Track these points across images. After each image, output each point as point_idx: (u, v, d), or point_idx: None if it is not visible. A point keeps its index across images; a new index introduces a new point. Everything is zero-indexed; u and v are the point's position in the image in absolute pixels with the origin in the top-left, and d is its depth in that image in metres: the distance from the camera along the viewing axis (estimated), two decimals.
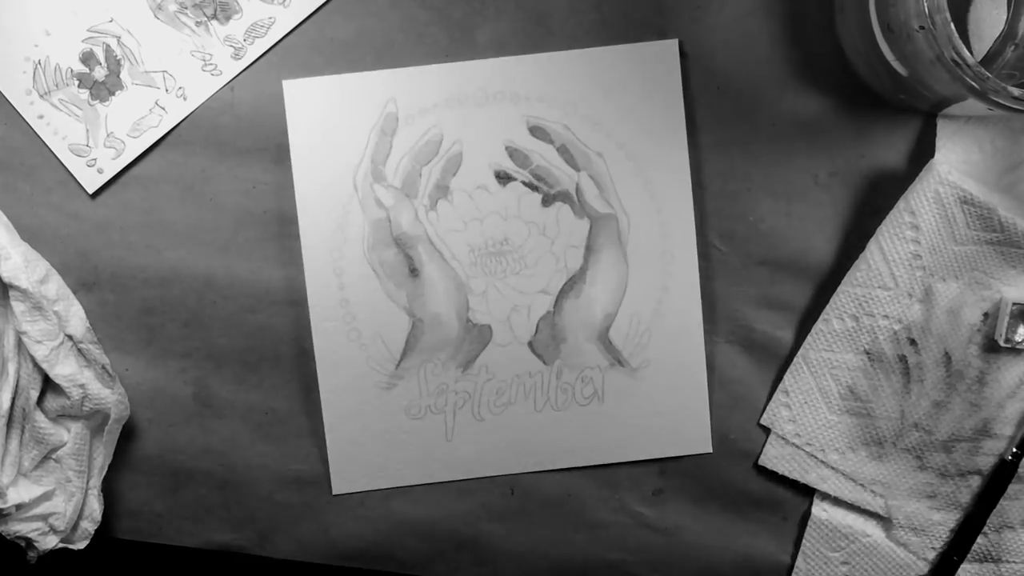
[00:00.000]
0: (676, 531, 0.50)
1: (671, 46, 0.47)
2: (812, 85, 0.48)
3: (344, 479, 0.49)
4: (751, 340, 0.49)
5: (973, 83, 0.39)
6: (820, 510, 0.49)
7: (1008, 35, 0.46)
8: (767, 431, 0.49)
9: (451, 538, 0.49)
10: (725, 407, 0.49)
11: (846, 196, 0.48)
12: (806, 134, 0.48)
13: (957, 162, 0.47)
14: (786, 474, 0.49)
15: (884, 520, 0.49)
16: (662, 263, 0.48)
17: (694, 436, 0.49)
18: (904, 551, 0.49)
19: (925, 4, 0.39)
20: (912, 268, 0.47)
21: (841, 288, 0.48)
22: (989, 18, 0.46)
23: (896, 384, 0.48)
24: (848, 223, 0.48)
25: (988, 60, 0.46)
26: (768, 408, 0.49)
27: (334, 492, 0.49)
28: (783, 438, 0.49)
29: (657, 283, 0.48)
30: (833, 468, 0.48)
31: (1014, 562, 0.48)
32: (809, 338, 0.48)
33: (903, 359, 0.47)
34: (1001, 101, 0.40)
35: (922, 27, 0.39)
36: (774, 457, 0.49)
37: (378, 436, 0.49)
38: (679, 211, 0.48)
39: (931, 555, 0.49)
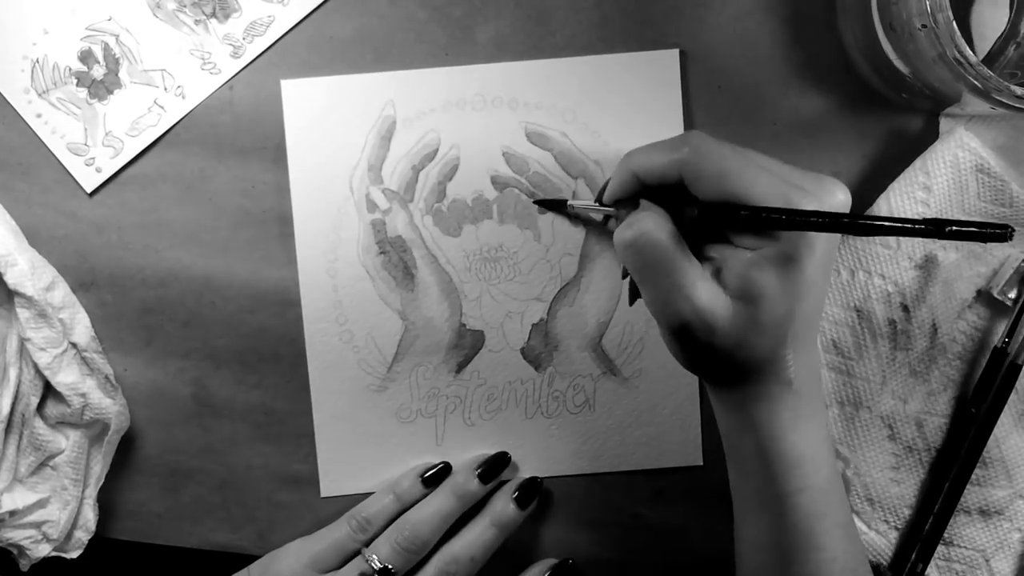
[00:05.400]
0: (677, 532, 0.50)
1: (672, 56, 0.47)
2: (814, 84, 0.47)
3: (333, 481, 0.49)
4: None
5: (975, 82, 0.39)
6: None
7: (1010, 34, 0.46)
8: None
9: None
10: None
11: None
12: (808, 133, 0.48)
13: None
14: None
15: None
16: None
17: (685, 448, 0.49)
18: (856, 520, 0.48)
19: (927, 3, 0.39)
20: None
21: (842, 240, 0.47)
22: (991, 18, 0.46)
23: (882, 348, 0.47)
24: None
25: (990, 59, 0.46)
26: None
27: (322, 495, 0.49)
28: None
29: None
30: None
31: (964, 547, 0.48)
32: None
33: (892, 323, 0.47)
34: (1004, 100, 0.40)
35: (924, 25, 0.39)
36: None
37: (368, 439, 0.49)
38: None
39: (882, 527, 0.48)
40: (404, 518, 0.46)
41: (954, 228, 0.33)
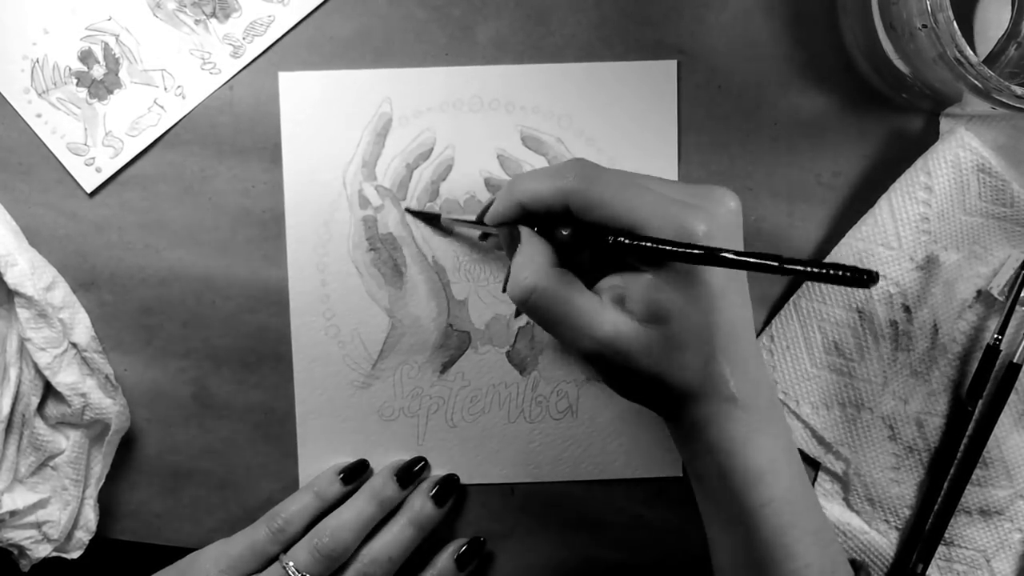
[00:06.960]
0: (677, 532, 0.49)
1: (669, 66, 0.47)
2: (814, 84, 0.47)
3: (312, 476, 0.48)
4: None
5: (976, 81, 0.39)
6: None
7: (1011, 34, 0.45)
8: None
9: (451, 537, 0.49)
10: None
11: (848, 196, 0.48)
12: (808, 133, 0.48)
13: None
14: None
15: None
16: None
17: (666, 458, 0.49)
18: (857, 519, 0.48)
19: (927, 2, 0.39)
20: (918, 231, 0.46)
21: (844, 240, 0.47)
22: (993, 18, 0.46)
23: (884, 349, 0.47)
24: (850, 223, 0.48)
25: (991, 59, 0.46)
26: None
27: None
28: None
29: None
30: (803, 421, 0.48)
31: (965, 547, 0.48)
32: (803, 287, 0.48)
33: (894, 324, 0.47)
34: (1004, 99, 0.40)
35: (924, 25, 0.39)
36: None
37: (349, 435, 0.48)
38: None
39: (882, 527, 0.48)
40: (323, 524, 0.45)
41: (815, 269, 0.30)
